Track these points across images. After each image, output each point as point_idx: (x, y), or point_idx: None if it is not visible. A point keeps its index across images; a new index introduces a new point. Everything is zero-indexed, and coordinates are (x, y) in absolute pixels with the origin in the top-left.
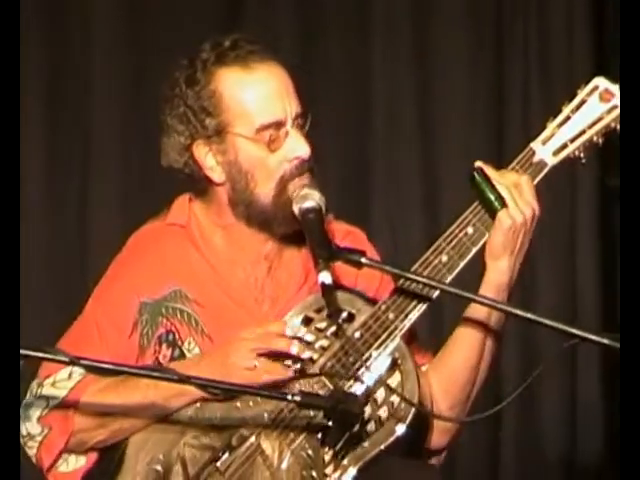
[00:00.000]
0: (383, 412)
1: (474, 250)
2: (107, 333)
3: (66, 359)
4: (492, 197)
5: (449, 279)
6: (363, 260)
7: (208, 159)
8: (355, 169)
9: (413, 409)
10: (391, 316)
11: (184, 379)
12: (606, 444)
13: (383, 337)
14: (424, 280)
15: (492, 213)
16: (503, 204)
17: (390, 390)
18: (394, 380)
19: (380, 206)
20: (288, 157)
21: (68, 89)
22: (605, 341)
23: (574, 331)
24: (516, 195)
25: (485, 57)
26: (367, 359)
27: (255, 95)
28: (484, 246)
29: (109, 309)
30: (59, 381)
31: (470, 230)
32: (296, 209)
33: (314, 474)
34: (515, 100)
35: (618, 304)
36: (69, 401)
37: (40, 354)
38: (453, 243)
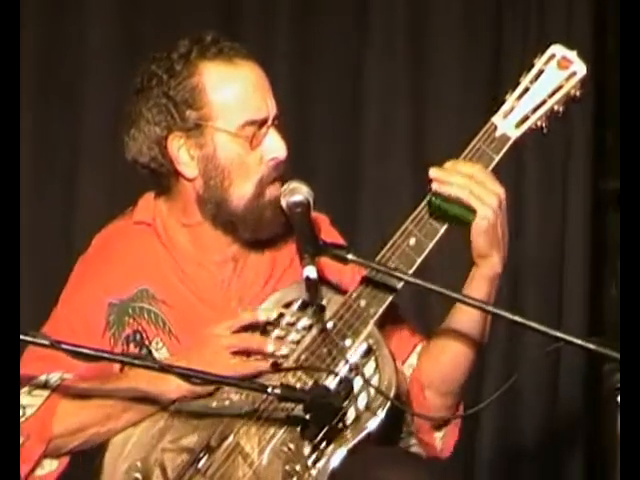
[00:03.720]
0: (362, 399)
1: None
2: (80, 335)
3: (46, 342)
4: (458, 213)
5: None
6: (349, 256)
7: (182, 153)
8: (345, 166)
9: (392, 392)
10: (363, 303)
11: (166, 368)
12: (587, 410)
13: (356, 325)
14: (413, 280)
15: (466, 226)
16: (471, 211)
17: (366, 382)
18: (370, 367)
19: (369, 202)
20: (266, 157)
21: (58, 76)
22: (590, 346)
23: (559, 334)
24: (478, 191)
25: (481, 51)
26: (342, 349)
27: (239, 90)
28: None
29: (80, 311)
30: (35, 389)
31: (412, 241)
32: (284, 202)
33: (297, 468)
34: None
35: (604, 308)
36: (46, 408)
37: (21, 336)
38: (397, 253)
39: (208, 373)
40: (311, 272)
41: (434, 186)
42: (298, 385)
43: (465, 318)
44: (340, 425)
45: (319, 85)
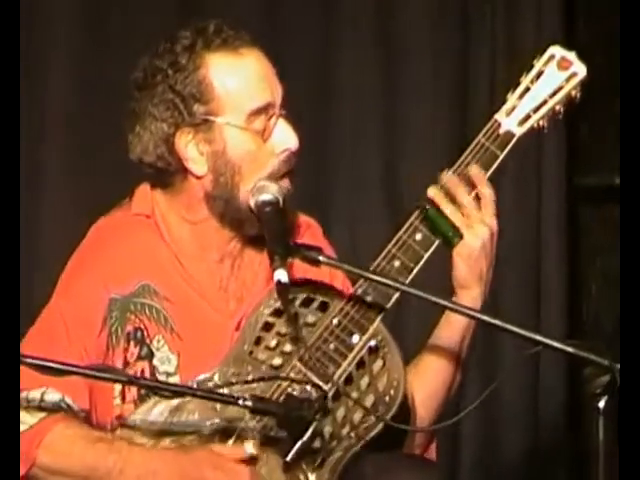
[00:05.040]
0: (369, 399)
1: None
2: (76, 330)
3: None
4: (446, 231)
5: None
6: (321, 258)
7: (190, 149)
8: (315, 166)
9: (401, 391)
10: (369, 300)
11: (133, 380)
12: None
13: (362, 322)
14: (384, 280)
15: (450, 246)
16: (459, 235)
17: (356, 402)
18: (377, 365)
19: (340, 204)
20: (277, 149)
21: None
22: (569, 349)
23: (538, 338)
24: (471, 218)
25: (450, 43)
26: (348, 345)
27: (245, 81)
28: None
29: (77, 304)
30: (31, 407)
31: (418, 236)
32: (252, 202)
33: (304, 466)
34: (481, 97)
35: (583, 308)
36: (36, 433)
37: None
38: (403, 249)
39: (174, 385)
40: (282, 275)
41: (430, 196)
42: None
43: (449, 334)
44: (347, 429)
45: (287, 78)
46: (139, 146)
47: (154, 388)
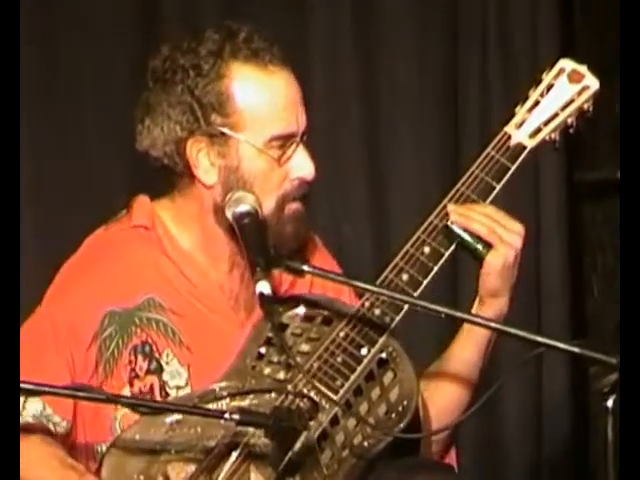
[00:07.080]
0: (382, 408)
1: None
2: (65, 338)
3: None
4: (473, 244)
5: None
6: (305, 268)
7: (201, 158)
8: None
9: (414, 403)
10: (377, 312)
11: (112, 399)
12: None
13: (371, 334)
14: (368, 287)
15: (478, 259)
16: (488, 246)
17: (360, 419)
18: (388, 377)
19: (325, 213)
20: (292, 175)
21: None
22: (574, 349)
23: (540, 339)
24: (498, 229)
25: (437, 45)
26: (356, 358)
27: (271, 102)
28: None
29: (69, 315)
30: None
31: (427, 249)
32: (229, 214)
33: (316, 474)
34: (472, 91)
35: (586, 308)
36: None
37: None
38: (411, 262)
39: (155, 401)
40: (264, 287)
41: (453, 217)
42: (312, 394)
43: (466, 354)
44: (360, 438)
45: None
46: (148, 139)
47: (131, 405)
